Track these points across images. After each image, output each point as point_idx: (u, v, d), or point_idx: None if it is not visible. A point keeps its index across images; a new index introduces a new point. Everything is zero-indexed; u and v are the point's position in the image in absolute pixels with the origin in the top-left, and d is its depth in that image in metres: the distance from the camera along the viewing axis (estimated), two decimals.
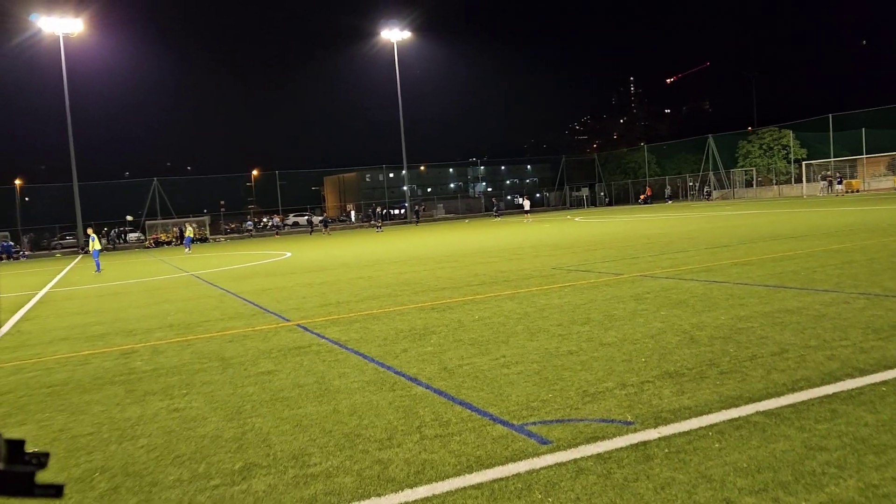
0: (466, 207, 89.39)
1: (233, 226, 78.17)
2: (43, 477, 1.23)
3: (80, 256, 45.16)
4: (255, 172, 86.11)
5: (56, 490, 1.23)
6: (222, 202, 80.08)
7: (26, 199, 70.73)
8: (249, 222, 76.43)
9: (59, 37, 52.96)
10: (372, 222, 54.76)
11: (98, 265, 25.73)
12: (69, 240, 61.78)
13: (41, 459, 1.26)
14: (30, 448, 1.26)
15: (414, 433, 4.57)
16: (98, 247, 26.24)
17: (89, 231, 27.42)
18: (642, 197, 74.84)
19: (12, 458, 1.25)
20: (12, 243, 54.41)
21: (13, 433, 5.21)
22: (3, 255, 51.11)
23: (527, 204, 57.06)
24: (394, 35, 68.74)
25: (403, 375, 6.14)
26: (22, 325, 11.96)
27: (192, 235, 42.64)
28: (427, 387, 5.69)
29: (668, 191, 74.12)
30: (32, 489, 1.22)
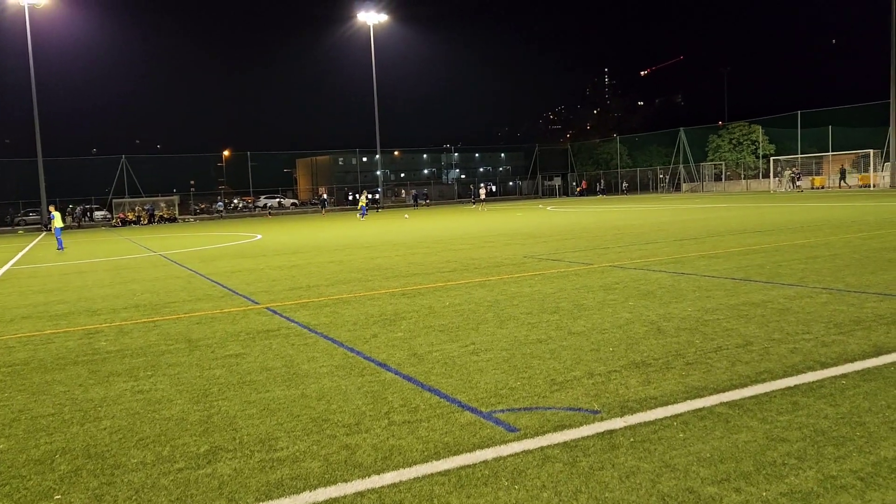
0: (439, 194, 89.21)
1: (203, 206, 77.01)
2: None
3: (44, 234, 44.21)
4: (226, 152, 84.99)
5: None
6: (192, 182, 78.96)
7: None
8: (220, 203, 75.39)
9: (24, 7, 51.58)
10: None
11: (60, 243, 25.23)
12: (32, 216, 60.48)
13: None
14: None
15: (382, 419, 4.57)
16: (60, 224, 25.77)
17: (51, 208, 26.97)
18: (578, 189, 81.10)
19: None
20: None
21: None
22: None
23: (483, 192, 57.07)
24: (370, 18, 68.13)
25: (373, 361, 6.13)
26: None
27: (365, 204, 45.92)
28: (396, 373, 5.68)
29: (600, 185, 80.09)
30: None
